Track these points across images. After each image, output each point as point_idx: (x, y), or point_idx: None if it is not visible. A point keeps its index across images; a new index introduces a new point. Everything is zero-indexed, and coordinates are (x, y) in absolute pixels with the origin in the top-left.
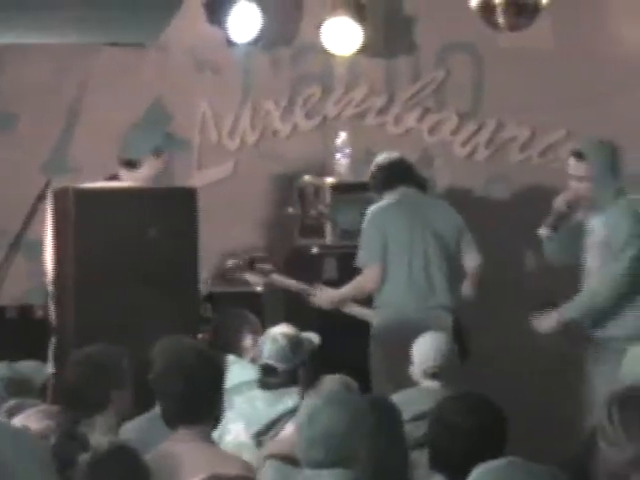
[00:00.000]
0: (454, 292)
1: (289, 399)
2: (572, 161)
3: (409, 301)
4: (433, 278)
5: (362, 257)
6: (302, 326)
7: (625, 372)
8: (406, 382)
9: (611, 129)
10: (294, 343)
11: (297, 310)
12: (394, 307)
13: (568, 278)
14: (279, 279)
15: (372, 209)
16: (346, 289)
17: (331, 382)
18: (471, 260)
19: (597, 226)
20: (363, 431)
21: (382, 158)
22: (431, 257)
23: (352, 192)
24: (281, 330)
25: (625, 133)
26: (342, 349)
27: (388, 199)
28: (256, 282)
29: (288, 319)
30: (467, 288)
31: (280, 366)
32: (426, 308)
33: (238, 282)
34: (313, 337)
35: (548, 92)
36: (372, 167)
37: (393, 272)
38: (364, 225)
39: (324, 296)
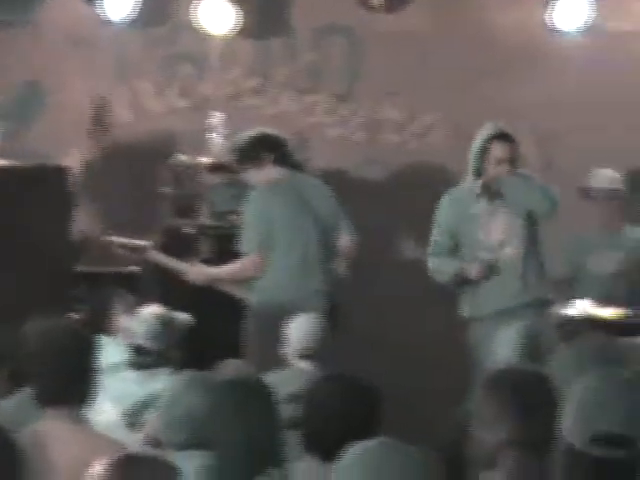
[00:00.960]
0: (331, 275)
1: (160, 380)
2: (501, 144)
3: (286, 284)
4: (311, 261)
5: (244, 243)
6: (178, 306)
7: (497, 354)
8: (281, 363)
9: (487, 113)
10: (165, 323)
11: (173, 290)
12: (271, 289)
13: None
14: (155, 256)
15: (253, 193)
16: (225, 270)
17: (230, 367)
18: (344, 239)
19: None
20: (227, 413)
21: (250, 132)
22: (310, 240)
23: (227, 172)
24: (152, 310)
25: (501, 117)
26: (218, 329)
27: (265, 180)
28: (132, 258)
29: (164, 299)
30: (339, 266)
31: (151, 346)
32: (303, 291)
33: (114, 261)
34: (185, 317)
35: (424, 75)
36: (240, 139)
37: (272, 255)
38: (246, 209)
39: (200, 272)
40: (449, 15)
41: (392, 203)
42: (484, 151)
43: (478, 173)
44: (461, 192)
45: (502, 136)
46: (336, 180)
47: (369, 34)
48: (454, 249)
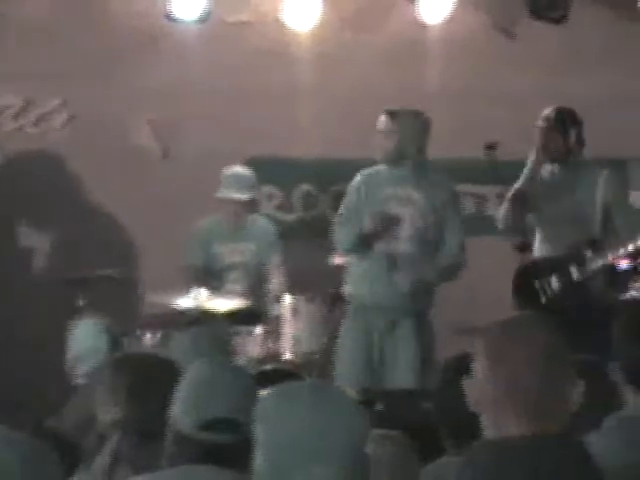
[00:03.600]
0: None
1: None
2: None
3: None
4: None
5: None
6: None
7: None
8: None
9: (108, 99)
10: None
11: None
12: None
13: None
14: None
15: None
16: None
17: None
18: None
19: None
20: None
21: None
22: None
23: None
24: None
25: (121, 104)
26: None
27: None
28: None
29: None
30: None
31: None
32: None
33: None
34: None
35: (43, 60)
36: None
37: None
38: None
39: None
40: (71, 0)
41: (9, 189)
42: None
43: None
44: None
45: None
46: None
47: None
48: None
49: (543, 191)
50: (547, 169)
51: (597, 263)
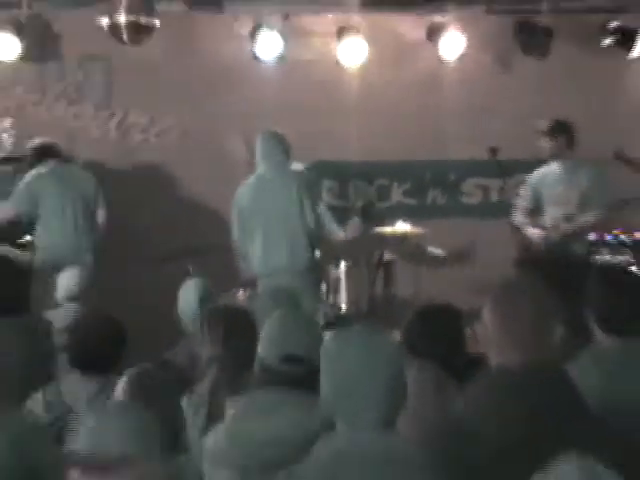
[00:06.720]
0: (94, 237)
1: None
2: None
3: (61, 243)
4: (79, 226)
5: (13, 201)
6: None
7: None
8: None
9: (208, 120)
10: None
11: None
12: (49, 248)
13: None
14: None
15: (27, 177)
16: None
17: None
18: (100, 216)
19: None
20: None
21: (35, 141)
22: (78, 211)
23: (14, 164)
24: None
25: (218, 124)
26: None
27: (39, 169)
28: None
29: None
30: (98, 233)
31: None
32: (74, 248)
33: None
34: None
35: (162, 91)
36: (28, 147)
37: (42, 219)
38: (19, 188)
39: None
40: (179, 45)
41: (137, 188)
42: None
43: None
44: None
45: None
46: (97, 170)
47: (120, 59)
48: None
49: (546, 182)
50: (552, 166)
51: (570, 231)
